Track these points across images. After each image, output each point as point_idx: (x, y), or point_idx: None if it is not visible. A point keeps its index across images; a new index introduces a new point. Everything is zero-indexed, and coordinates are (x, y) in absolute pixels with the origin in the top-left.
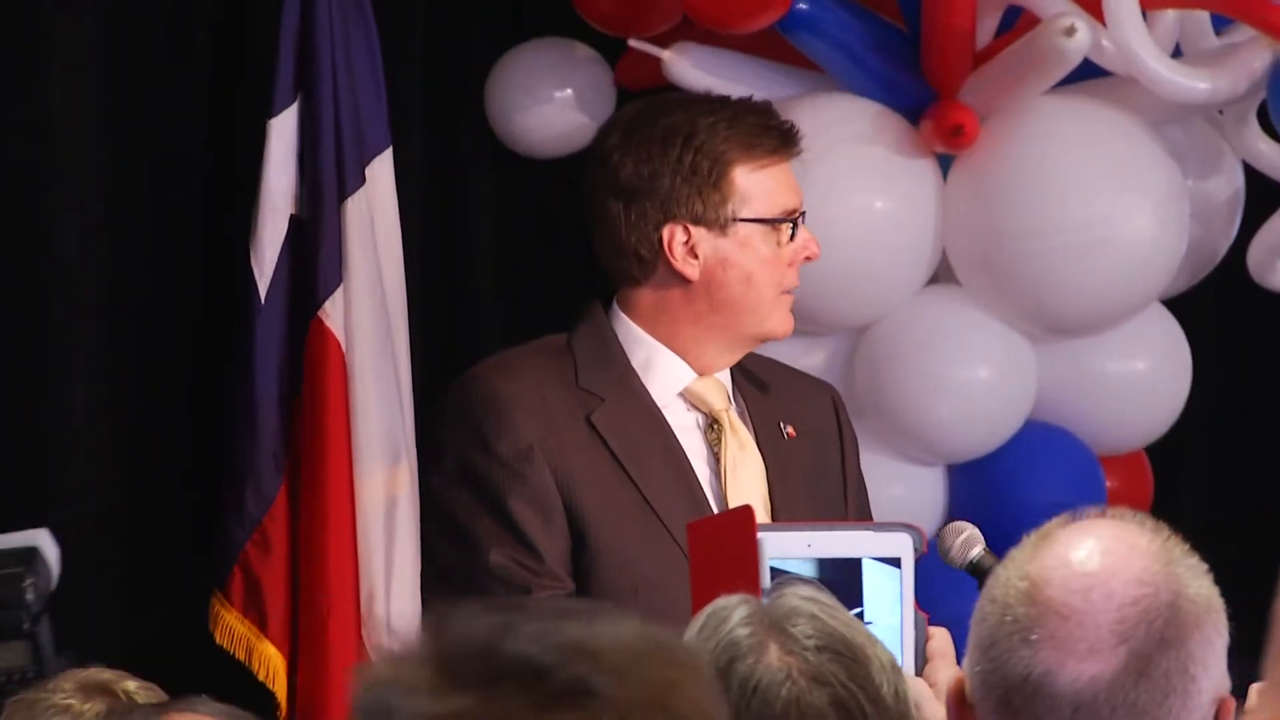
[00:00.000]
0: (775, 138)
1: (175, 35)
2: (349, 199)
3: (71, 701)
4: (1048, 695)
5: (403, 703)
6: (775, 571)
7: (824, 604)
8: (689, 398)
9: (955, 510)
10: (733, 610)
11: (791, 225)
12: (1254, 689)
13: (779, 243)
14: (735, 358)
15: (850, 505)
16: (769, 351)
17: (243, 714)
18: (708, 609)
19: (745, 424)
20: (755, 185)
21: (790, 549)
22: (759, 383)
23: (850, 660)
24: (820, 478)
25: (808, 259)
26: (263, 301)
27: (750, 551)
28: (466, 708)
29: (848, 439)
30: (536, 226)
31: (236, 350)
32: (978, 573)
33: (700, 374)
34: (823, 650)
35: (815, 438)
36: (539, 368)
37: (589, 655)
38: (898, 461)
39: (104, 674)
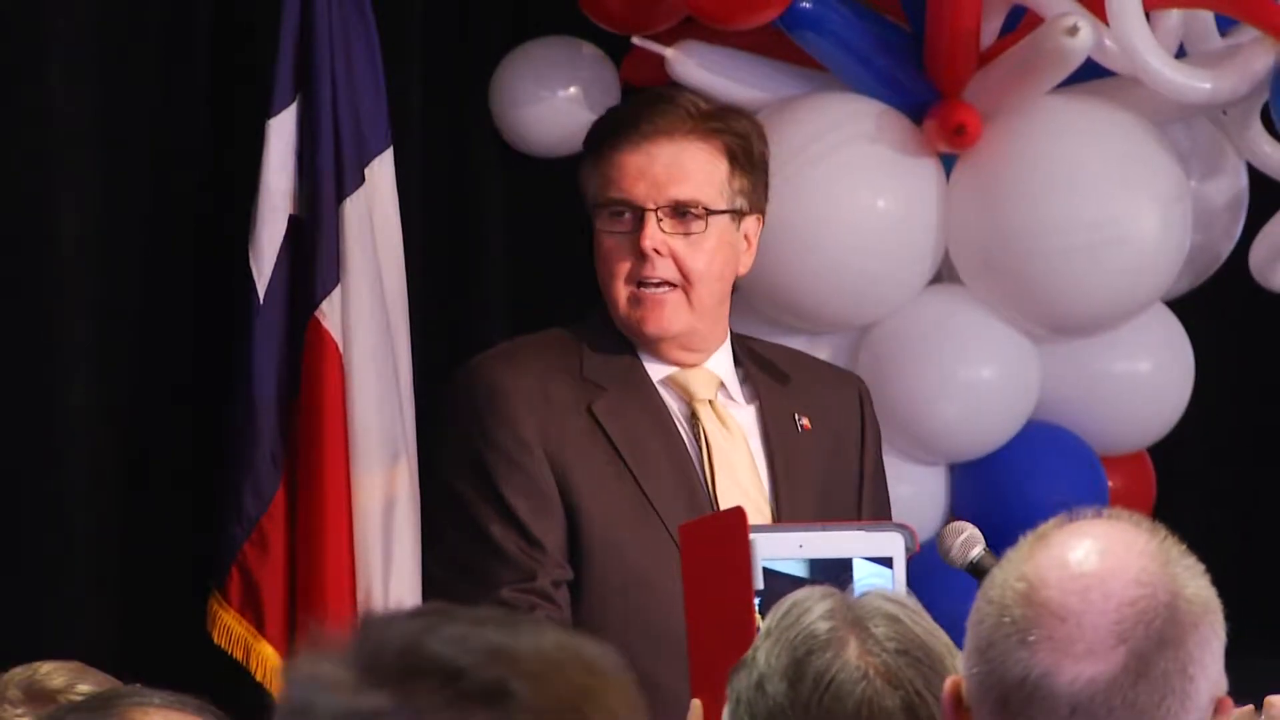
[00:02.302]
0: (615, 126)
1: (175, 35)
2: (347, 199)
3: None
4: (1046, 696)
5: (322, 699)
6: (768, 572)
7: (908, 608)
8: (673, 386)
9: (958, 510)
10: (815, 603)
11: (636, 217)
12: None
13: (611, 232)
14: (672, 359)
15: (865, 499)
16: (790, 343)
17: (193, 700)
18: (789, 598)
19: (755, 415)
20: (592, 173)
21: (782, 549)
22: (779, 374)
23: (928, 668)
24: (834, 472)
25: (642, 253)
26: (261, 302)
27: (743, 553)
28: (383, 705)
29: (869, 432)
30: (542, 225)
31: (235, 350)
32: (978, 573)
33: (678, 366)
34: (902, 654)
35: (835, 431)
36: (543, 359)
37: (508, 659)
38: (900, 460)
39: (55, 679)
